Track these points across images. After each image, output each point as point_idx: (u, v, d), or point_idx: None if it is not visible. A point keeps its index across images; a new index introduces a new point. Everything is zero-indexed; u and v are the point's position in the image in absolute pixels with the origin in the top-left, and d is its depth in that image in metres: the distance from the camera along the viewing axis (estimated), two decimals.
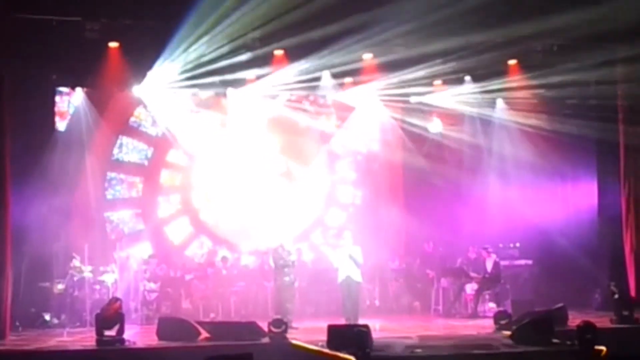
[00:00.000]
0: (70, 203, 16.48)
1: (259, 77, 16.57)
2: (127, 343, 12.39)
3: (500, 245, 17.77)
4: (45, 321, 15.19)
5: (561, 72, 16.16)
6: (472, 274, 16.95)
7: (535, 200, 18.00)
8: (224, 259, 17.69)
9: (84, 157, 17.07)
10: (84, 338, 13.29)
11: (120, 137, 18.40)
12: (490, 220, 17.97)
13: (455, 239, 18.15)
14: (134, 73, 15.98)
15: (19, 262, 14.71)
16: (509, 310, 15.03)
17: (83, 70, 15.72)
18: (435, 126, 19.00)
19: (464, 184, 18.62)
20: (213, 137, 18.63)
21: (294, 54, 15.70)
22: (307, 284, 16.88)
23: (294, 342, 12.45)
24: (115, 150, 18.41)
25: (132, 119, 18.50)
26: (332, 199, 19.70)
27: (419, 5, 13.34)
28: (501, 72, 17.00)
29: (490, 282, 16.72)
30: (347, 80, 17.26)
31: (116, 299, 13.23)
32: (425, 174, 18.53)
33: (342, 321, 13.96)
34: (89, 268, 15.75)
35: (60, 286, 15.66)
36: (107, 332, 12.55)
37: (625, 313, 14.16)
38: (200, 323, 13.45)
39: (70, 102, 17.50)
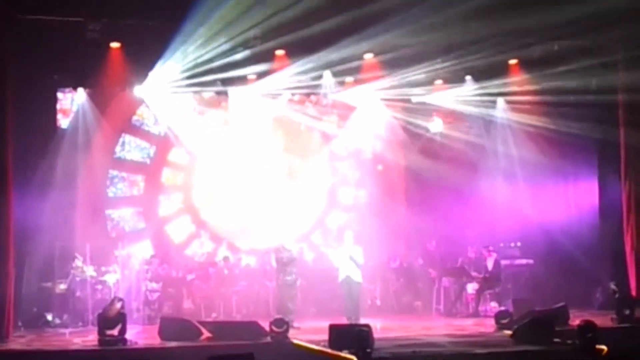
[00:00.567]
0: (72, 201, 16.48)
1: (260, 77, 16.59)
2: (129, 343, 12.43)
3: (502, 244, 17.79)
4: (48, 321, 15.22)
5: (562, 72, 16.17)
6: (473, 274, 16.98)
7: (537, 200, 18.00)
8: (226, 258, 17.69)
9: (86, 155, 17.06)
10: (86, 338, 13.31)
11: (122, 135, 18.43)
12: (491, 220, 17.97)
13: (456, 238, 18.13)
14: (135, 73, 16.03)
15: (22, 262, 14.74)
16: (510, 310, 14.99)
17: (85, 70, 15.77)
18: (436, 126, 19.00)
19: (465, 184, 18.58)
20: (215, 136, 18.65)
21: (294, 54, 15.73)
22: (309, 283, 16.88)
23: (295, 341, 12.47)
24: (118, 148, 18.45)
25: (134, 118, 18.54)
26: (334, 200, 19.70)
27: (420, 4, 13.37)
28: (502, 71, 17.01)
29: (491, 281, 16.73)
30: (348, 79, 17.29)
31: (118, 299, 13.24)
32: (427, 173, 18.51)
33: (343, 320, 14.00)
34: (92, 268, 15.77)
35: (63, 286, 15.68)
36: (109, 332, 12.57)
37: (626, 312, 14.16)
38: (202, 323, 13.47)
39: (74, 99, 17.50)
